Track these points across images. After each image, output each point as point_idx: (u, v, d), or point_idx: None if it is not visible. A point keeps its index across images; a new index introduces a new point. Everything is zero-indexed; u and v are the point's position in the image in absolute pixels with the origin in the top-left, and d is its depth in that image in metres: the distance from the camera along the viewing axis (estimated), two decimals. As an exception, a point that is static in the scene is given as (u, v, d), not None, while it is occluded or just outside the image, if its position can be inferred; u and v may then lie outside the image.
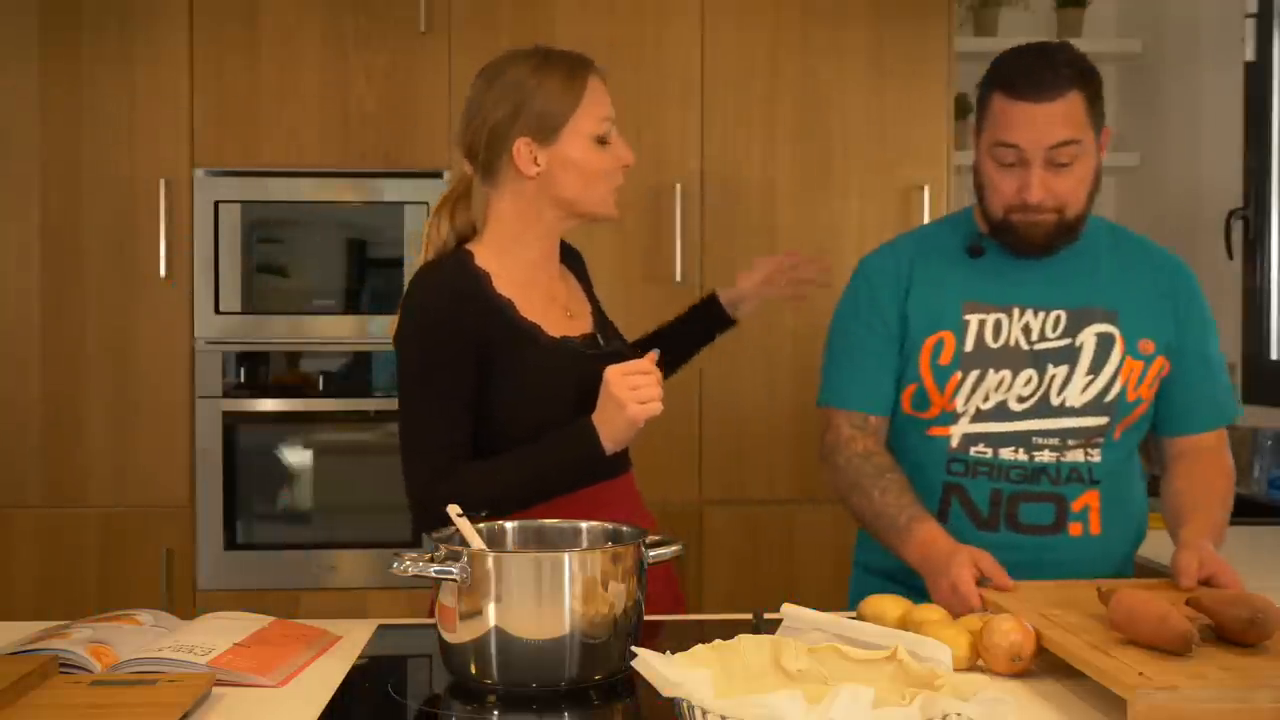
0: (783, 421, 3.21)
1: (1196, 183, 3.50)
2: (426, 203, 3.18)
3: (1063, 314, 1.86)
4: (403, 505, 1.78)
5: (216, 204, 3.17)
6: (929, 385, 1.86)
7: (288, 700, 1.41)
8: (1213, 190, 3.44)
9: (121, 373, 3.17)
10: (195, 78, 3.17)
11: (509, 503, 1.72)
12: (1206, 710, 1.24)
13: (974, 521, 1.84)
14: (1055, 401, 1.83)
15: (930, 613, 1.55)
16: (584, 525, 1.61)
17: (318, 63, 3.17)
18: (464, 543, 1.49)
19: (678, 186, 3.20)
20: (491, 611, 1.39)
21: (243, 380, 3.20)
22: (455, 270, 1.79)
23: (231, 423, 3.18)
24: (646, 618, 1.72)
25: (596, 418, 1.71)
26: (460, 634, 1.41)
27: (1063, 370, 1.84)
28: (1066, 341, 1.85)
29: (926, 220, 3.19)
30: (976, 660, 1.48)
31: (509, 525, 1.61)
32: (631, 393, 1.67)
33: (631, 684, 1.44)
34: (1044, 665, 1.47)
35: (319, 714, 1.36)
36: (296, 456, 3.21)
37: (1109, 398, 1.84)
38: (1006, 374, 1.84)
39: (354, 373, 3.23)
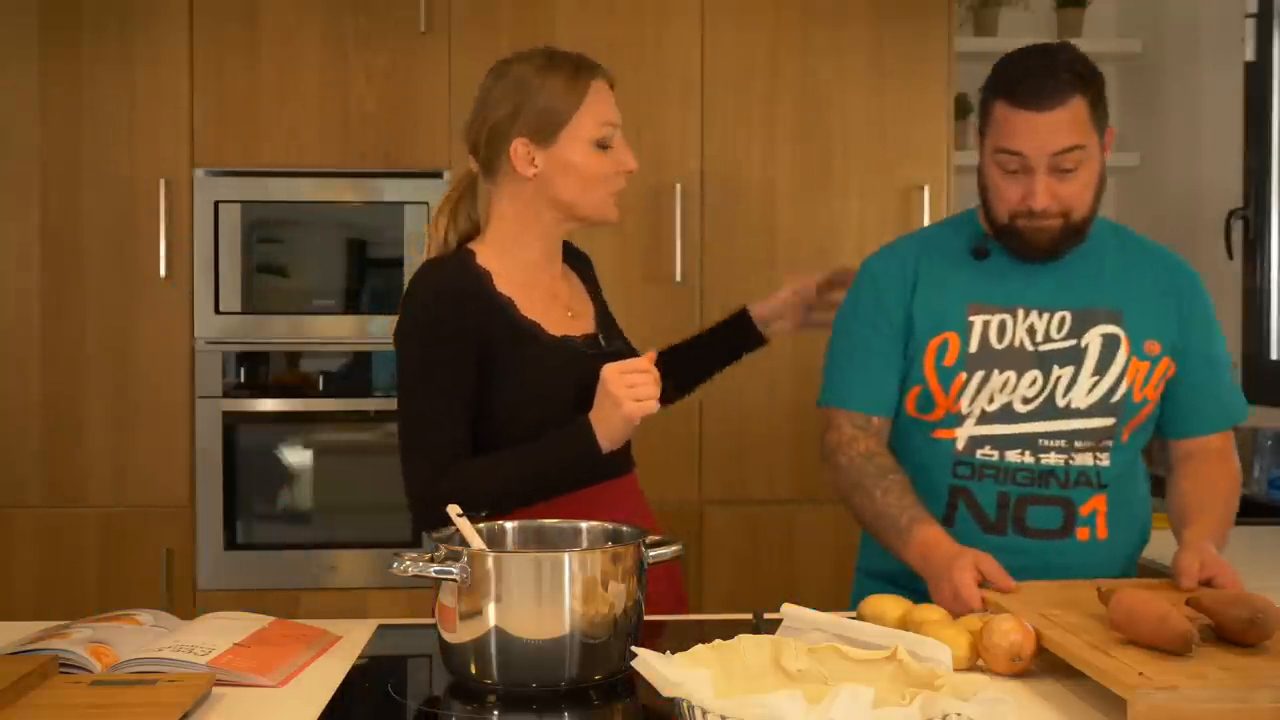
0: (783, 421, 3.21)
1: (1196, 183, 3.50)
2: (426, 203, 3.18)
3: (1067, 315, 1.85)
4: (403, 505, 1.78)
5: (216, 204, 3.17)
6: (934, 386, 1.85)
7: (288, 700, 1.41)
8: (1213, 190, 3.44)
9: (121, 373, 3.17)
10: (195, 78, 3.17)
11: (508, 500, 1.72)
12: (1206, 710, 1.24)
13: (981, 525, 1.84)
14: (1061, 403, 1.83)
15: (930, 613, 1.55)
16: (584, 525, 1.61)
17: (318, 63, 3.17)
18: (464, 543, 1.49)
19: (678, 186, 3.20)
20: (491, 611, 1.39)
21: (243, 380, 3.20)
22: (456, 268, 1.79)
23: (231, 423, 3.18)
24: (649, 618, 1.72)
25: (594, 416, 1.71)
26: (460, 634, 1.41)
27: (1068, 371, 1.83)
28: (1071, 342, 1.84)
29: (927, 220, 3.19)
30: (976, 660, 1.48)
31: (509, 525, 1.62)
32: (628, 390, 1.67)
33: (631, 684, 1.44)
34: (1044, 665, 1.47)
35: (319, 714, 1.36)
36: (296, 456, 3.21)
37: (1115, 399, 1.83)
38: (1011, 375, 1.83)
39: (354, 373, 3.23)
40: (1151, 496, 1.98)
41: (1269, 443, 3.14)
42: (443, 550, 1.42)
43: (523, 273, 1.83)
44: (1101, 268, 1.89)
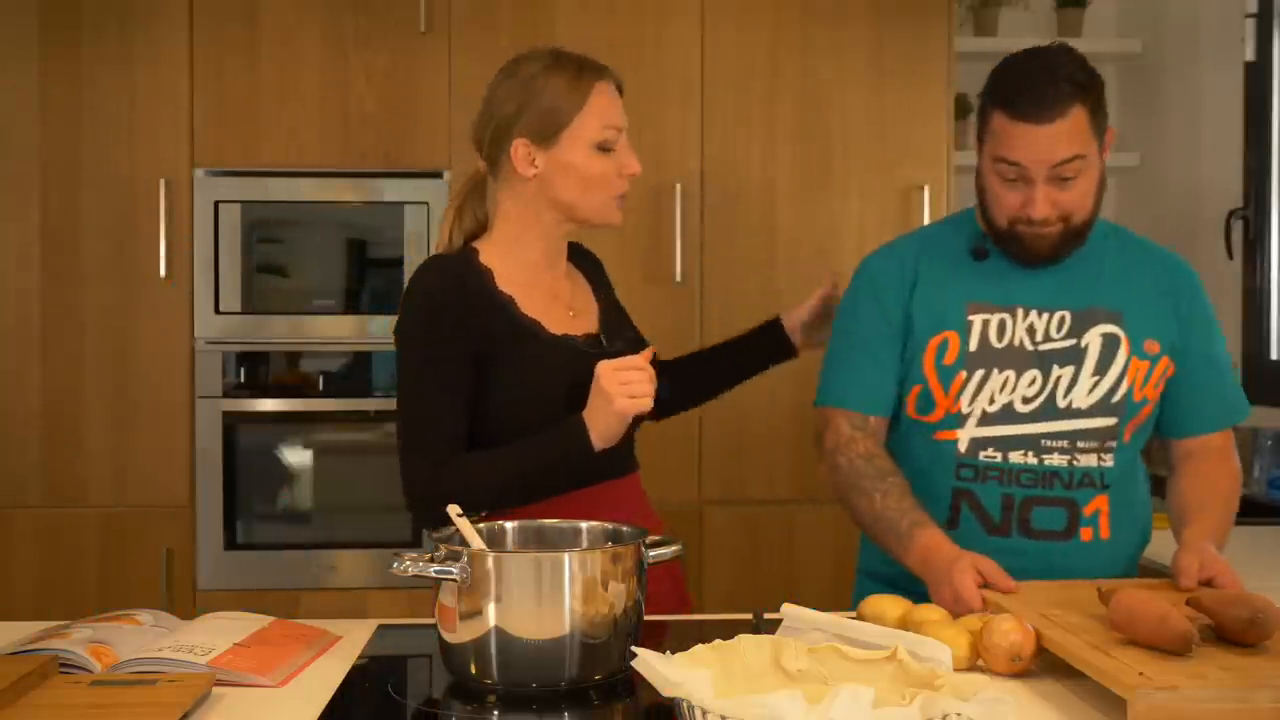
0: (783, 421, 3.21)
1: (1196, 183, 3.50)
2: (426, 203, 3.18)
3: (1067, 315, 1.85)
4: (403, 505, 1.78)
5: (216, 204, 3.17)
6: (934, 385, 1.85)
7: (288, 700, 1.41)
8: (1213, 190, 3.44)
9: (121, 373, 3.17)
10: (195, 78, 3.17)
11: (503, 497, 1.73)
12: (1206, 710, 1.24)
13: (985, 527, 1.83)
14: (1062, 403, 1.83)
15: (930, 613, 1.55)
16: (584, 525, 1.61)
17: (318, 63, 3.17)
18: (464, 543, 1.49)
19: (678, 186, 3.20)
20: (491, 611, 1.39)
21: (243, 380, 3.20)
22: (457, 266, 1.80)
23: (231, 423, 3.18)
24: (652, 618, 1.72)
25: (587, 414, 1.71)
26: (460, 634, 1.41)
27: (1068, 371, 1.83)
28: (1071, 342, 1.84)
29: (927, 220, 3.19)
30: (976, 660, 1.48)
31: (509, 525, 1.62)
32: (621, 387, 1.67)
33: (631, 684, 1.44)
34: (1044, 665, 1.47)
35: (319, 714, 1.36)
36: (296, 456, 3.21)
37: (1116, 398, 1.83)
38: (1010, 374, 1.83)
39: (354, 373, 3.23)
40: (1151, 497, 1.98)
41: (1269, 443, 3.14)
42: (443, 550, 1.42)
43: (524, 272, 1.83)
44: (1100, 268, 1.88)
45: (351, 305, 3.21)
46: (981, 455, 1.84)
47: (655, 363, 1.79)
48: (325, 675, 1.50)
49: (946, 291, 1.88)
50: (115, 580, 3.14)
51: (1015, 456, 1.83)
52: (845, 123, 3.25)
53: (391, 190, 3.20)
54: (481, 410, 1.77)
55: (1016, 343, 1.84)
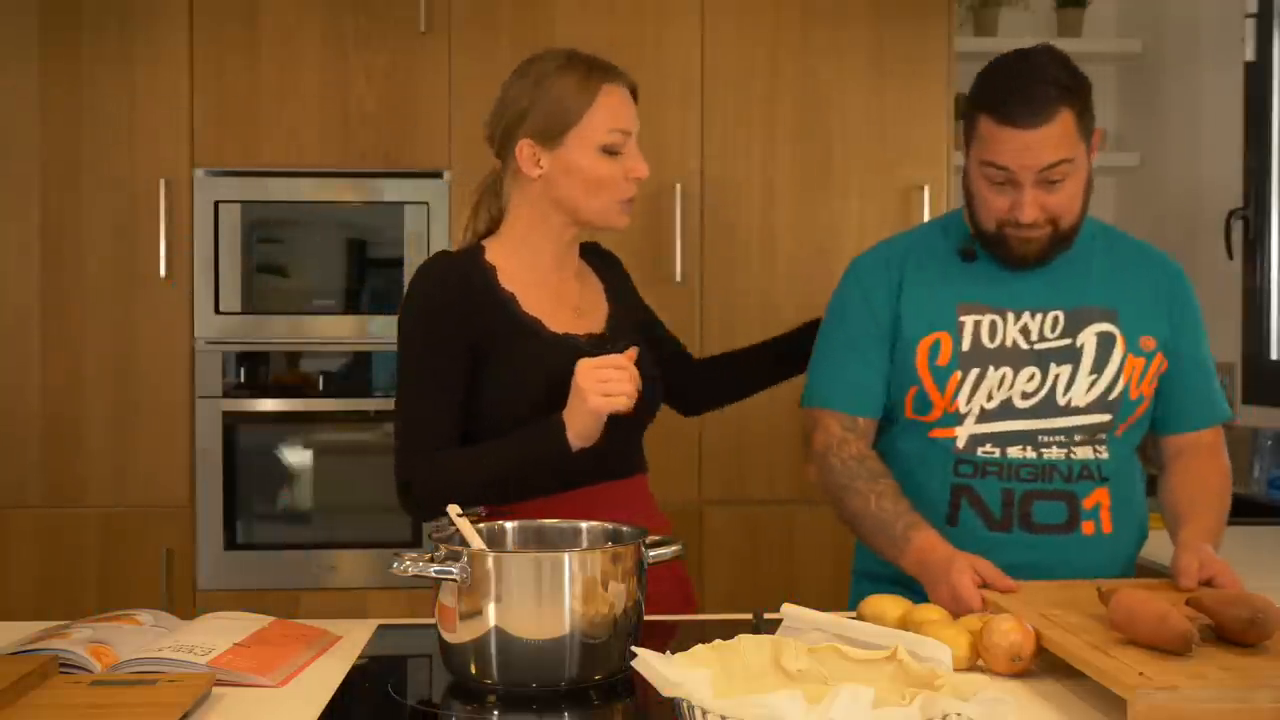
0: (783, 421, 3.21)
1: (1196, 183, 3.50)
2: (426, 203, 3.18)
3: (1060, 314, 1.85)
4: (409, 513, 1.79)
5: (216, 204, 3.17)
6: (929, 386, 1.85)
7: (288, 700, 1.41)
8: (1213, 190, 3.44)
9: (121, 373, 3.17)
10: (195, 78, 3.17)
11: (486, 493, 1.73)
12: (1206, 710, 1.24)
13: (986, 523, 1.83)
14: (1061, 402, 1.83)
15: (930, 613, 1.55)
16: (584, 525, 1.60)
17: (318, 63, 3.17)
18: (464, 543, 1.49)
19: (678, 186, 3.20)
20: (491, 611, 1.39)
21: (243, 380, 3.20)
22: (461, 261, 1.81)
23: (231, 423, 3.18)
24: (658, 618, 1.72)
25: (566, 413, 1.70)
26: (460, 634, 1.41)
27: (1066, 370, 1.83)
28: (1067, 341, 1.84)
29: (927, 220, 3.19)
30: (976, 660, 1.48)
31: (509, 525, 1.62)
32: (598, 385, 1.65)
33: (631, 684, 1.44)
34: (1044, 665, 1.47)
35: (319, 714, 1.36)
36: (296, 456, 3.21)
37: (1113, 396, 1.84)
38: (1008, 371, 1.83)
39: (354, 373, 3.23)
40: (1146, 496, 1.98)
41: (1269, 443, 3.14)
42: (443, 550, 1.42)
43: (530, 271, 1.83)
44: (1089, 267, 1.88)
45: (351, 305, 3.21)
46: (980, 451, 1.83)
47: (641, 362, 1.79)
48: (325, 675, 1.50)
49: (936, 292, 1.88)
50: (115, 580, 3.14)
51: (1014, 451, 1.83)
52: (845, 123, 3.25)
53: (391, 190, 3.20)
54: (476, 407, 1.77)
55: (1009, 343, 1.84)
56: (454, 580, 1.39)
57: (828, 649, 1.27)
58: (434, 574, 1.40)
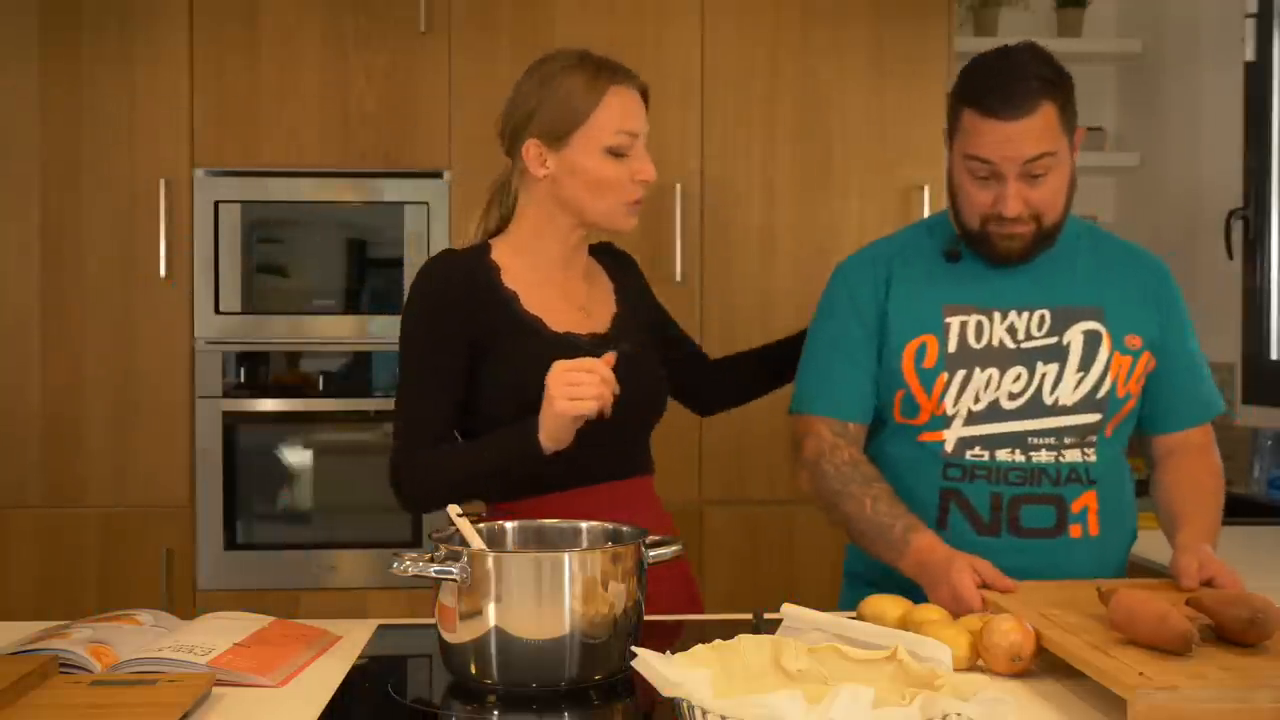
0: (783, 422, 3.17)
1: (1196, 183, 3.50)
2: (426, 203, 3.18)
3: (1046, 313, 1.85)
4: (402, 508, 1.79)
5: (216, 204, 3.17)
6: (915, 389, 1.85)
7: (288, 700, 1.41)
8: (1213, 190, 3.44)
9: (121, 373, 3.17)
10: (195, 78, 3.17)
11: (468, 490, 1.73)
12: (1206, 710, 1.24)
13: (975, 527, 1.83)
14: (1048, 401, 1.83)
15: (930, 613, 1.55)
16: (584, 525, 1.61)
17: (318, 63, 3.18)
18: (464, 543, 1.49)
19: (678, 186, 3.20)
20: (491, 611, 1.39)
21: (243, 380, 3.20)
22: (466, 259, 1.81)
23: (231, 423, 3.18)
24: (661, 617, 1.72)
25: (541, 414, 1.68)
26: (460, 634, 1.41)
27: (1053, 369, 1.83)
28: (1053, 340, 1.84)
29: (926, 220, 3.20)
30: (976, 660, 1.48)
31: (509, 525, 1.62)
32: (566, 388, 1.62)
33: (631, 684, 1.44)
34: (1044, 665, 1.47)
35: (319, 714, 1.36)
36: (296, 456, 3.21)
37: (1100, 394, 1.84)
38: (994, 372, 1.83)
39: (354, 373, 3.23)
40: (1136, 497, 1.98)
41: (1269, 443, 3.14)
42: (443, 550, 1.42)
43: (535, 271, 1.83)
44: (1075, 266, 1.89)
45: (351, 305, 3.21)
46: (968, 454, 1.83)
47: (644, 363, 1.78)
48: (325, 675, 1.50)
49: (922, 294, 1.88)
50: (115, 580, 3.14)
51: (1002, 454, 1.82)
52: (845, 123, 3.26)
53: (391, 190, 3.20)
54: (475, 405, 1.77)
55: (996, 343, 1.84)
56: (454, 580, 1.39)
57: (828, 649, 1.27)
58: (434, 574, 1.40)
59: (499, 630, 1.39)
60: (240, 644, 1.52)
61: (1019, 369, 1.83)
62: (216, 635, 1.54)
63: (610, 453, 1.81)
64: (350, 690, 1.45)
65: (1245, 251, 3.35)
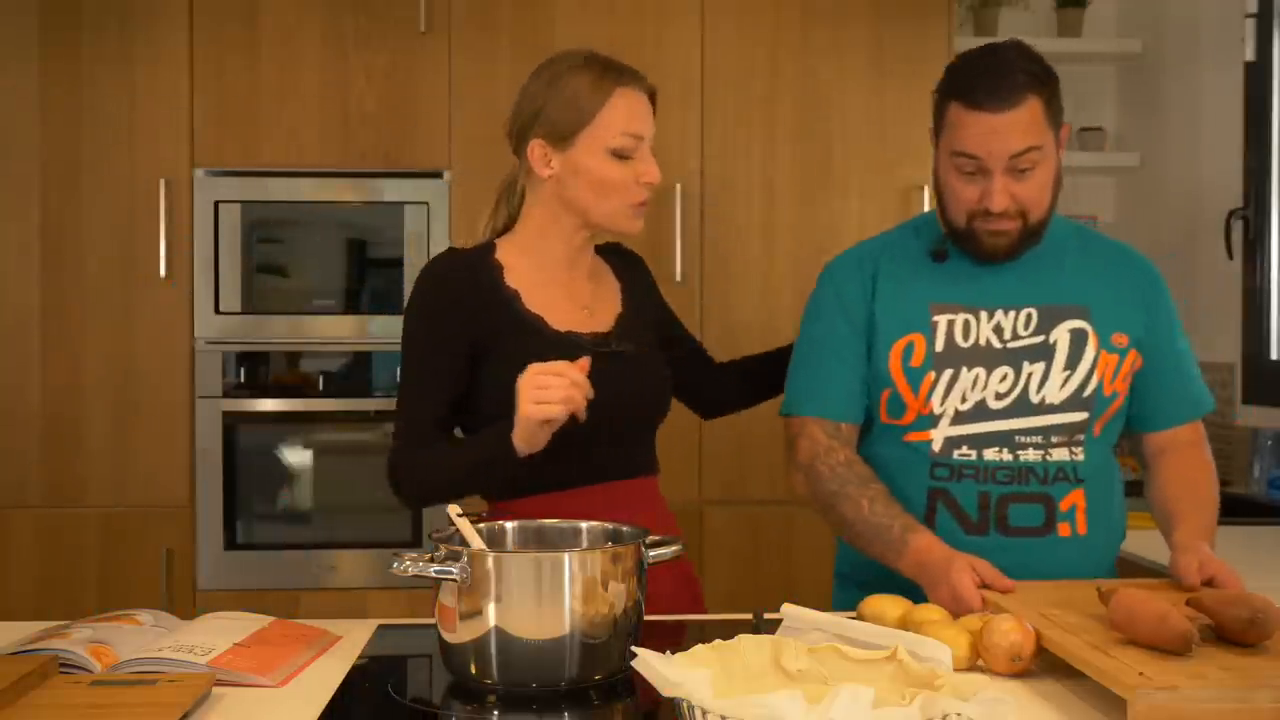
0: (783, 422, 3.21)
1: (1196, 183, 3.50)
2: (426, 203, 3.18)
3: (1033, 311, 1.85)
4: (403, 505, 1.79)
5: (216, 204, 3.17)
6: (902, 388, 1.84)
7: (288, 700, 1.41)
8: (1213, 190, 3.44)
9: (121, 373, 3.17)
10: (195, 78, 3.17)
11: (452, 490, 1.74)
12: (1206, 710, 1.24)
13: (963, 526, 1.82)
14: (1035, 400, 1.82)
15: (930, 613, 1.55)
16: (584, 525, 1.61)
17: (318, 63, 3.18)
18: (464, 543, 1.49)
19: (678, 186, 3.20)
20: (491, 611, 1.39)
21: (243, 380, 3.20)
22: (469, 258, 1.82)
23: (231, 423, 3.18)
24: (663, 617, 1.72)
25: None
26: (460, 634, 1.41)
27: (1039, 367, 1.83)
28: (1040, 339, 1.84)
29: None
30: (976, 660, 1.48)
31: (509, 525, 1.62)
32: (534, 391, 1.61)
33: (631, 684, 1.44)
34: (1044, 665, 1.47)
35: (319, 714, 1.36)
36: (296, 456, 3.21)
37: (1087, 393, 1.83)
38: (980, 371, 1.83)
39: (354, 373, 3.23)
40: (1125, 497, 1.98)
41: (1269, 443, 3.14)
42: (443, 550, 1.42)
43: (539, 270, 1.83)
44: (1062, 264, 1.89)
45: (351, 305, 3.21)
46: (956, 454, 1.83)
47: (624, 363, 1.78)
48: (325, 675, 1.50)
49: (909, 293, 1.87)
50: (115, 580, 3.14)
51: (990, 454, 1.82)
52: (845, 123, 3.26)
53: (391, 190, 3.20)
54: (476, 404, 1.77)
55: (983, 341, 1.84)
56: (454, 580, 1.39)
57: (828, 649, 1.27)
58: (434, 574, 1.40)
59: (499, 630, 1.39)
60: (240, 644, 1.52)
61: (1005, 368, 1.83)
62: (216, 635, 1.54)
63: (614, 452, 1.81)
64: (350, 690, 1.45)
65: (1245, 251, 3.35)
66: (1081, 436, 1.84)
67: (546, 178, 1.80)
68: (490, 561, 1.39)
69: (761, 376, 2.10)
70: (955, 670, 1.35)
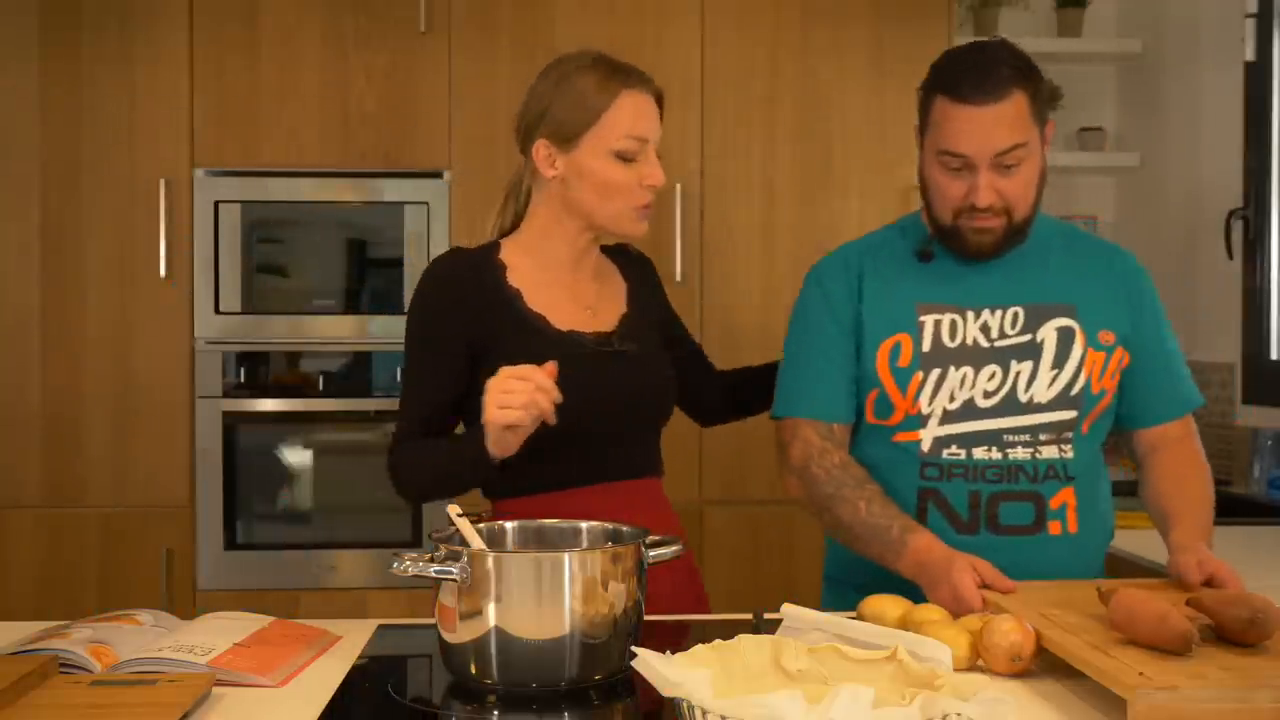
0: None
1: (1196, 183, 3.50)
2: (426, 203, 3.18)
3: (1020, 310, 1.85)
4: (403, 505, 1.79)
5: (216, 204, 3.17)
6: (890, 389, 1.84)
7: (288, 700, 1.41)
8: (1213, 190, 3.44)
9: (121, 373, 3.17)
10: (195, 78, 3.17)
11: (439, 487, 1.74)
12: (1206, 710, 1.24)
13: (953, 526, 1.82)
14: (1023, 398, 1.83)
15: (930, 613, 1.55)
16: (584, 525, 1.60)
17: (318, 63, 3.18)
18: (464, 543, 1.49)
19: (678, 186, 3.20)
20: (491, 611, 1.39)
21: (243, 380, 3.20)
22: (472, 257, 1.82)
23: (231, 423, 3.18)
24: (659, 618, 1.72)
25: None
26: (460, 634, 1.41)
27: (1027, 366, 1.83)
28: (1027, 337, 1.84)
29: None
30: (976, 660, 1.48)
31: (509, 525, 1.62)
32: (498, 396, 1.59)
33: (631, 684, 1.44)
34: (1044, 665, 1.47)
35: (319, 714, 1.36)
36: (296, 456, 3.21)
37: (1075, 391, 1.84)
38: (968, 370, 1.83)
39: (354, 373, 3.23)
40: (1117, 496, 1.98)
41: (1269, 443, 3.14)
42: (443, 550, 1.42)
43: (543, 270, 1.83)
44: (1047, 263, 1.89)
45: (351, 305, 3.21)
46: (945, 453, 1.83)
47: (654, 362, 1.78)
48: (325, 675, 1.50)
49: (895, 293, 1.88)
50: (115, 580, 3.14)
51: (979, 452, 1.82)
52: (845, 123, 3.26)
53: (391, 190, 3.20)
54: (475, 403, 1.77)
55: (970, 341, 1.84)
56: (454, 580, 1.39)
57: (828, 649, 1.27)
58: (434, 574, 1.40)
59: (499, 630, 1.39)
60: (240, 644, 1.52)
61: (993, 367, 1.83)
62: (216, 635, 1.54)
63: (615, 453, 1.81)
64: (350, 690, 1.45)
65: (1245, 251, 3.35)
66: (1070, 434, 1.84)
67: (551, 178, 1.80)
68: (490, 561, 1.39)
69: (748, 389, 2.10)
70: (955, 670, 1.35)
